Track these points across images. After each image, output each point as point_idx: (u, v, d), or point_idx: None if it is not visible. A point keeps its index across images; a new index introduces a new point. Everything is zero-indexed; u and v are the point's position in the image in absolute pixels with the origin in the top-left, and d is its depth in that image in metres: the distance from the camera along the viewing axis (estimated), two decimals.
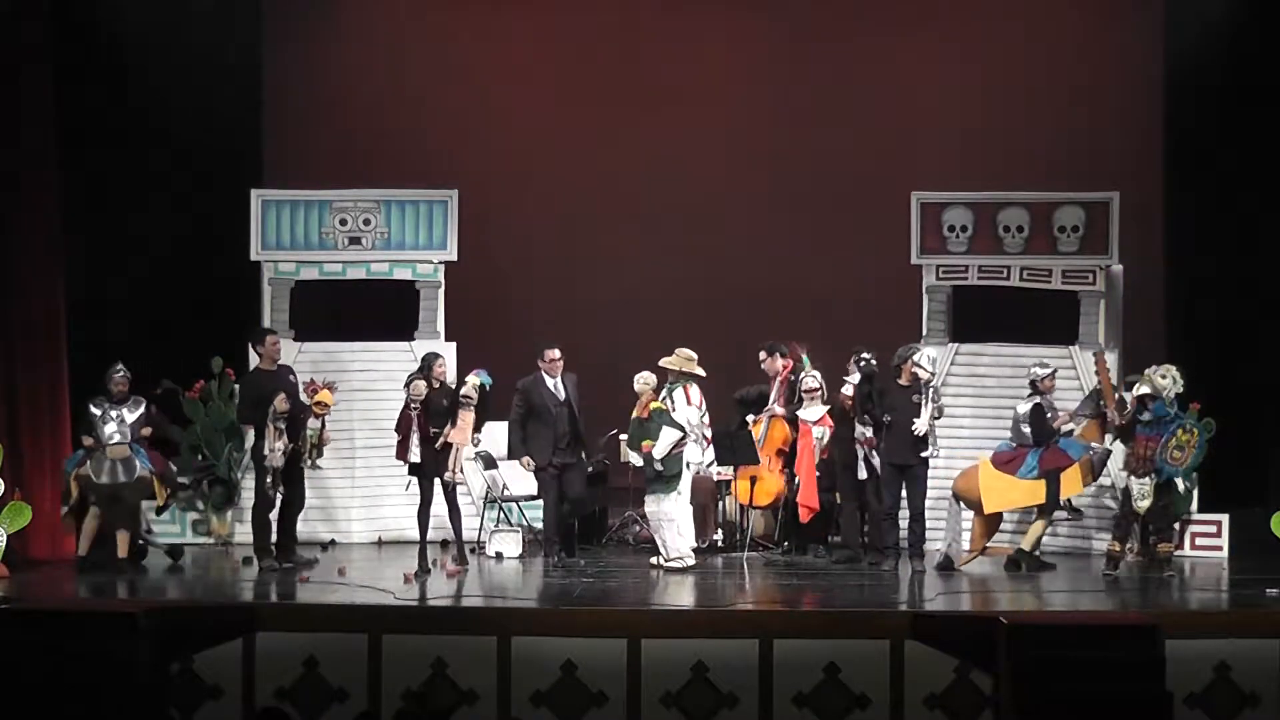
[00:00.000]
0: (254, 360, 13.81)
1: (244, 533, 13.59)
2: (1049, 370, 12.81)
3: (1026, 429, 12.65)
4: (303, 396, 12.69)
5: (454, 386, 12.60)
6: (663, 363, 12.99)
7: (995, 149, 15.73)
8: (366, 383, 13.92)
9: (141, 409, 12.86)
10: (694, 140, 16.18)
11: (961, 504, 12.73)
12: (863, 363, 12.67)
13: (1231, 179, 14.60)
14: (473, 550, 13.01)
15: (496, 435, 13.57)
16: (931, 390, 12.46)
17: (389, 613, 10.63)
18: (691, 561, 12.52)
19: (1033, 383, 12.77)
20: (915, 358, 12.48)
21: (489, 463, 13.63)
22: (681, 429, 12.61)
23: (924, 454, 12.40)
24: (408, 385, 12.47)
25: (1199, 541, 13.25)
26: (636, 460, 12.80)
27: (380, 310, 14.53)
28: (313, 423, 12.66)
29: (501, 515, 13.67)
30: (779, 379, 13.57)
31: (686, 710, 10.22)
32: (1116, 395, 12.54)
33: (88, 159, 14.06)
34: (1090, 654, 9.59)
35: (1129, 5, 16.00)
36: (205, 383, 13.85)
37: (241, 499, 13.82)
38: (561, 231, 16.18)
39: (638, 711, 10.20)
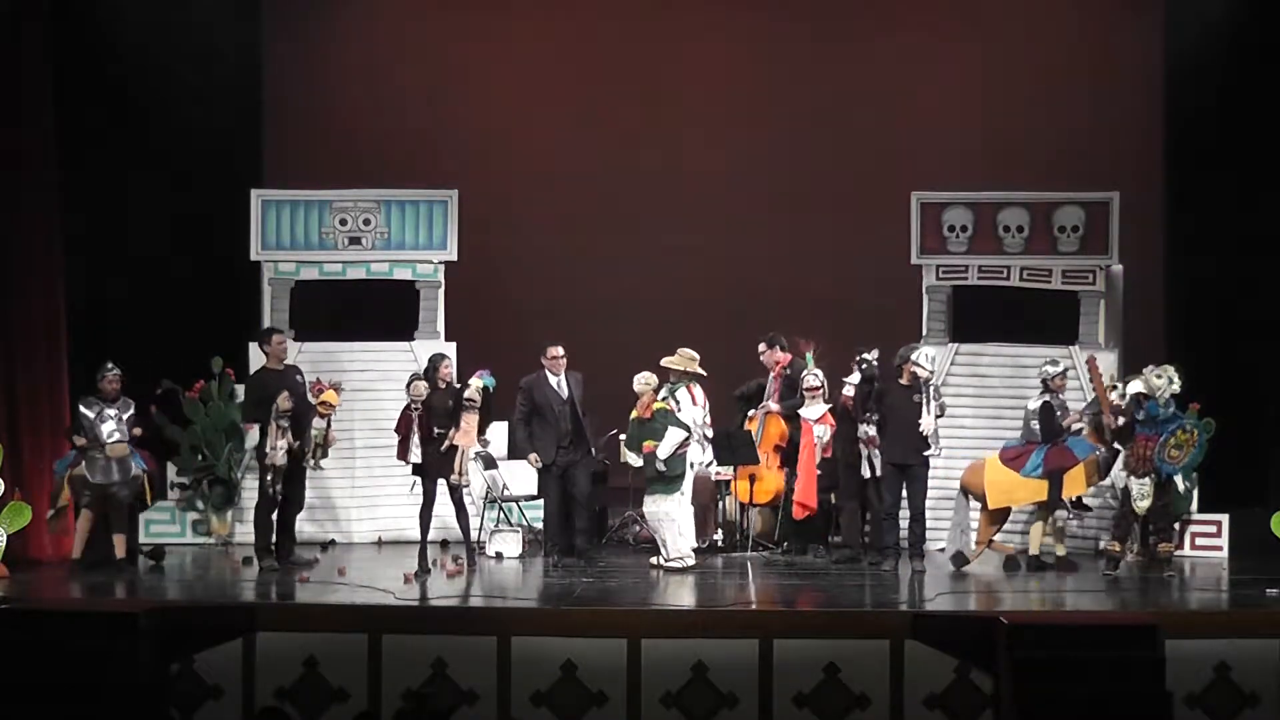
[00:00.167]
0: (253, 360, 13.84)
1: (244, 533, 13.60)
2: (1060, 369, 12.79)
3: (1036, 426, 12.65)
4: (309, 396, 12.68)
5: (459, 388, 12.59)
6: (665, 362, 12.99)
7: (995, 149, 15.74)
8: (366, 383, 13.91)
9: (132, 409, 12.86)
10: (694, 140, 16.18)
11: (970, 498, 12.75)
12: (864, 363, 12.68)
13: (1231, 179, 14.59)
14: (471, 550, 13.00)
15: (498, 435, 13.59)
16: (932, 389, 12.45)
17: (389, 613, 10.63)
18: (692, 562, 12.52)
19: (1044, 380, 12.76)
20: (914, 357, 12.48)
21: (489, 463, 13.64)
22: (687, 429, 12.62)
23: (927, 453, 12.39)
24: (409, 386, 12.48)
25: (1199, 541, 13.25)
26: (635, 461, 12.80)
27: (380, 310, 14.53)
28: (318, 422, 12.66)
29: (501, 515, 13.67)
30: (774, 373, 13.57)
31: (686, 710, 10.22)
32: (1111, 398, 12.55)
33: (88, 159, 14.05)
34: (1090, 654, 9.60)
35: (1129, 5, 16.01)
36: (205, 383, 13.85)
37: (242, 499, 13.83)
38: (561, 232, 16.18)
39: (638, 711, 10.20)
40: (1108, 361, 13.64)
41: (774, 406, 13.51)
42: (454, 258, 14.45)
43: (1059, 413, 12.67)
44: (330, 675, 10.33)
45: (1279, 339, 14.21)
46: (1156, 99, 15.74)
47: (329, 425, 12.73)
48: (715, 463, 13.41)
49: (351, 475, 14.01)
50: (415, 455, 12.42)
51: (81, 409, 12.74)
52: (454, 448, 12.40)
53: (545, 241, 16.16)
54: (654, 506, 12.60)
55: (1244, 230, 14.44)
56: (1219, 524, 13.27)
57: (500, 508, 13.68)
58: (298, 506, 12.90)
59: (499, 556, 13.13)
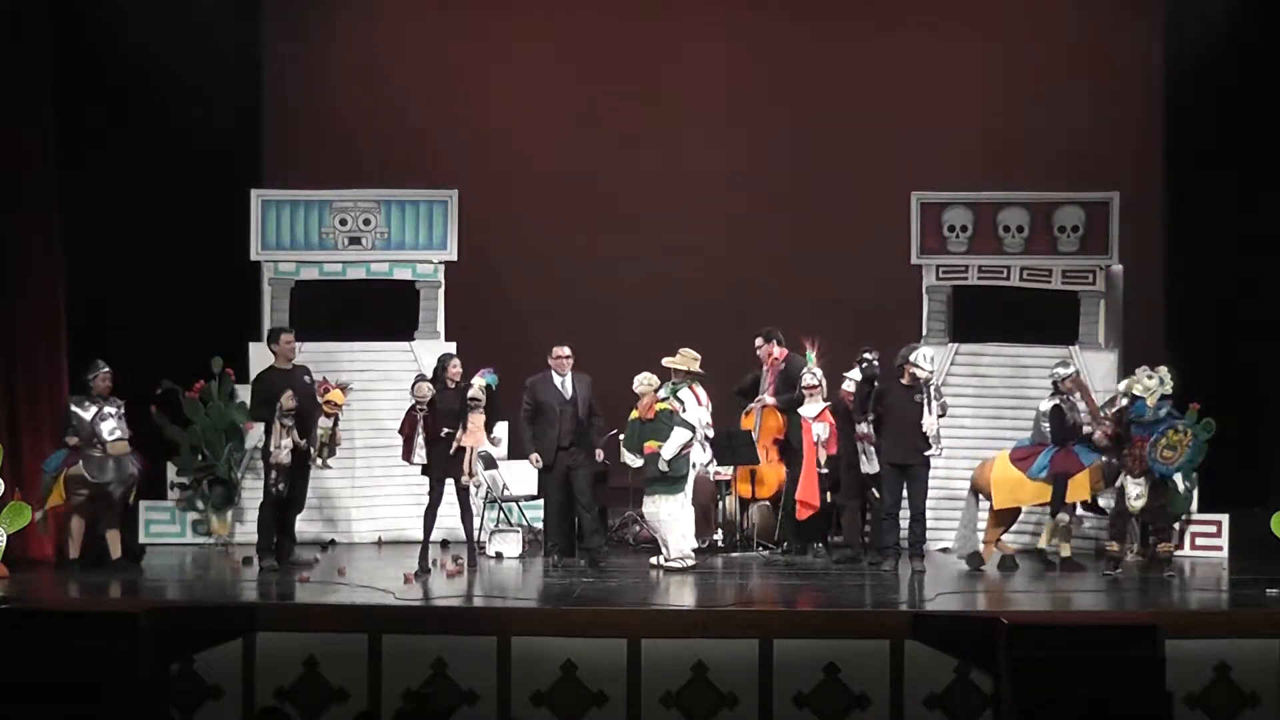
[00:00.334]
0: (253, 360, 13.86)
1: (244, 533, 13.64)
2: (1071, 371, 12.77)
3: (1047, 427, 12.65)
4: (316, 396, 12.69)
5: (464, 388, 12.58)
6: (668, 362, 12.99)
7: (995, 149, 15.74)
8: (366, 383, 13.90)
9: (121, 407, 12.84)
10: (694, 140, 16.18)
11: (980, 496, 12.75)
12: (864, 363, 12.69)
13: (1231, 179, 14.59)
14: (472, 550, 12.99)
15: (504, 433, 13.60)
16: (932, 389, 12.45)
17: (389, 613, 10.62)
18: (692, 562, 12.52)
19: (1055, 383, 12.75)
20: (913, 357, 12.48)
21: (489, 463, 13.63)
22: (692, 429, 12.63)
23: (928, 453, 12.38)
24: (413, 387, 12.50)
25: (1199, 541, 13.24)
26: (634, 462, 12.79)
27: (380, 310, 14.54)
28: (324, 422, 12.66)
29: (501, 515, 13.67)
30: (768, 365, 13.57)
31: (686, 710, 10.22)
32: (1102, 406, 12.55)
33: (88, 159, 14.06)
34: (1090, 654, 9.60)
35: (1129, 5, 16.00)
36: (205, 383, 13.84)
37: (242, 499, 13.84)
38: (561, 232, 16.18)
39: (638, 711, 10.20)
40: (1109, 361, 13.64)
41: (769, 400, 13.51)
42: (454, 258, 14.46)
43: (1070, 415, 12.65)
44: (330, 675, 10.33)
45: (1279, 339, 14.21)
46: (1156, 99, 15.73)
47: (335, 424, 12.73)
48: (715, 463, 13.40)
49: (351, 475, 14.01)
50: (419, 456, 12.43)
51: (75, 409, 12.70)
52: (462, 448, 12.41)
53: (545, 241, 16.16)
54: (654, 507, 12.60)
55: (1244, 230, 14.44)
56: (1219, 524, 13.27)
57: (500, 508, 13.68)
58: (298, 507, 12.90)
59: (499, 556, 13.13)
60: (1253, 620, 10.49)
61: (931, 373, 12.54)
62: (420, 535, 12.57)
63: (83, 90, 14.02)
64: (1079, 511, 12.81)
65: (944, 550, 13.41)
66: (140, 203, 14.61)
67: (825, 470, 13.08)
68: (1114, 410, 12.51)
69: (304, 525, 13.27)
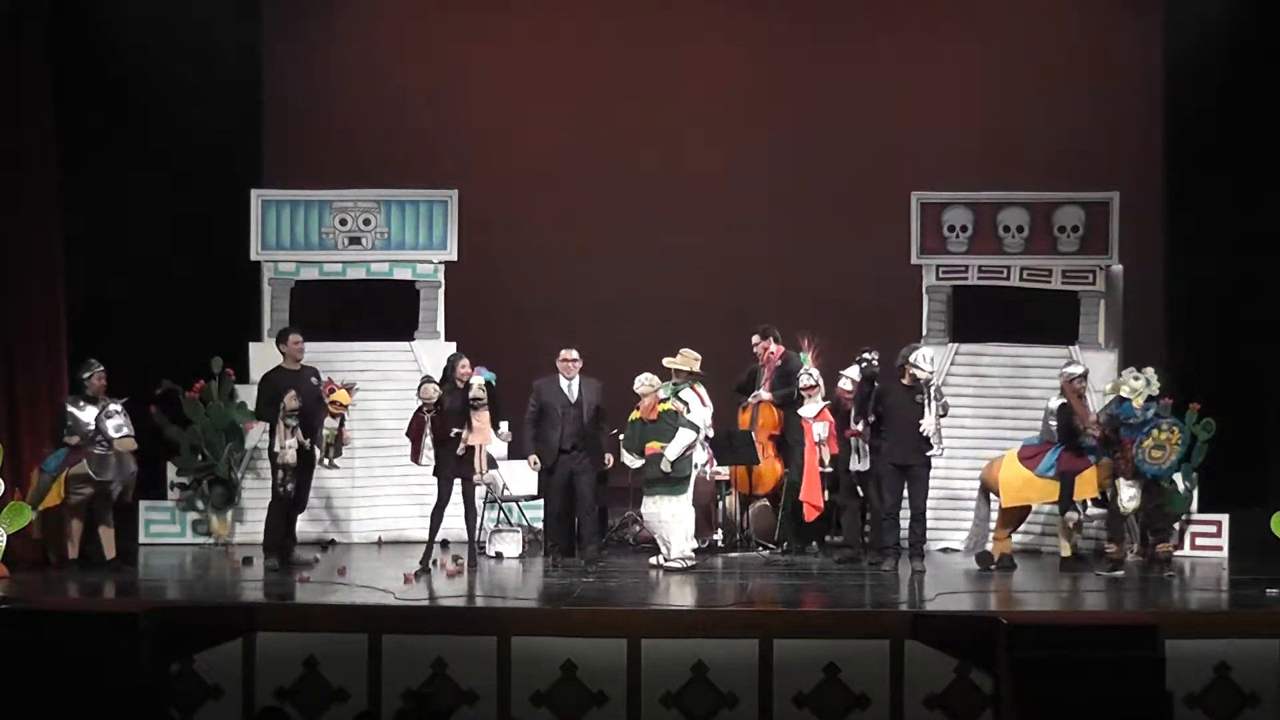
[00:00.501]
0: (253, 360, 13.87)
1: (244, 533, 13.66)
2: (1080, 371, 12.75)
3: (1054, 424, 12.64)
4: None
5: (465, 388, 12.58)
6: (669, 363, 12.98)
7: (995, 149, 15.74)
8: (367, 383, 13.88)
9: (121, 406, 12.83)
10: (694, 140, 16.18)
11: (991, 494, 12.74)
12: (864, 362, 12.69)
13: (1231, 179, 14.59)
14: (473, 550, 12.99)
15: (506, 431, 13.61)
16: (932, 389, 12.45)
17: (389, 613, 10.62)
18: (693, 562, 12.52)
19: (1063, 384, 12.72)
20: (913, 358, 12.48)
21: (489, 463, 13.61)
22: (697, 429, 12.63)
23: (930, 453, 12.38)
24: (419, 389, 12.51)
25: (1199, 541, 13.23)
26: (634, 462, 12.79)
27: (380, 310, 14.53)
28: (330, 422, 12.66)
29: (501, 515, 13.67)
30: (765, 364, 13.56)
31: (686, 710, 10.22)
32: (1092, 413, 12.54)
33: (88, 159, 14.05)
34: (1090, 654, 9.60)
35: (1129, 5, 16.01)
36: (205, 383, 13.84)
37: (241, 499, 13.84)
38: (561, 232, 16.18)
39: (638, 711, 10.20)
40: (1109, 361, 13.63)
41: (765, 395, 13.50)
42: (454, 258, 14.45)
43: (1077, 415, 12.64)
44: (330, 675, 10.33)
45: (1279, 339, 14.21)
46: (1156, 99, 15.74)
47: (342, 425, 12.73)
48: (716, 463, 13.39)
49: (351, 475, 14.00)
50: (428, 458, 12.45)
51: (71, 409, 12.65)
52: (471, 448, 12.42)
53: (545, 241, 16.16)
54: (655, 508, 12.59)
55: (1244, 230, 14.44)
56: (1219, 524, 13.25)
57: (500, 508, 13.68)
58: (300, 507, 12.89)
59: (499, 556, 13.13)
60: (1253, 620, 10.49)
61: (932, 373, 12.53)
62: (423, 534, 12.57)
63: (83, 90, 14.01)
64: (1090, 510, 12.79)
65: (944, 550, 13.41)
66: (140, 203, 14.61)
67: (828, 470, 13.07)
68: (1102, 411, 12.47)
69: (304, 525, 13.27)
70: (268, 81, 16.26)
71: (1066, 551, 12.59)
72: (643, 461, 12.63)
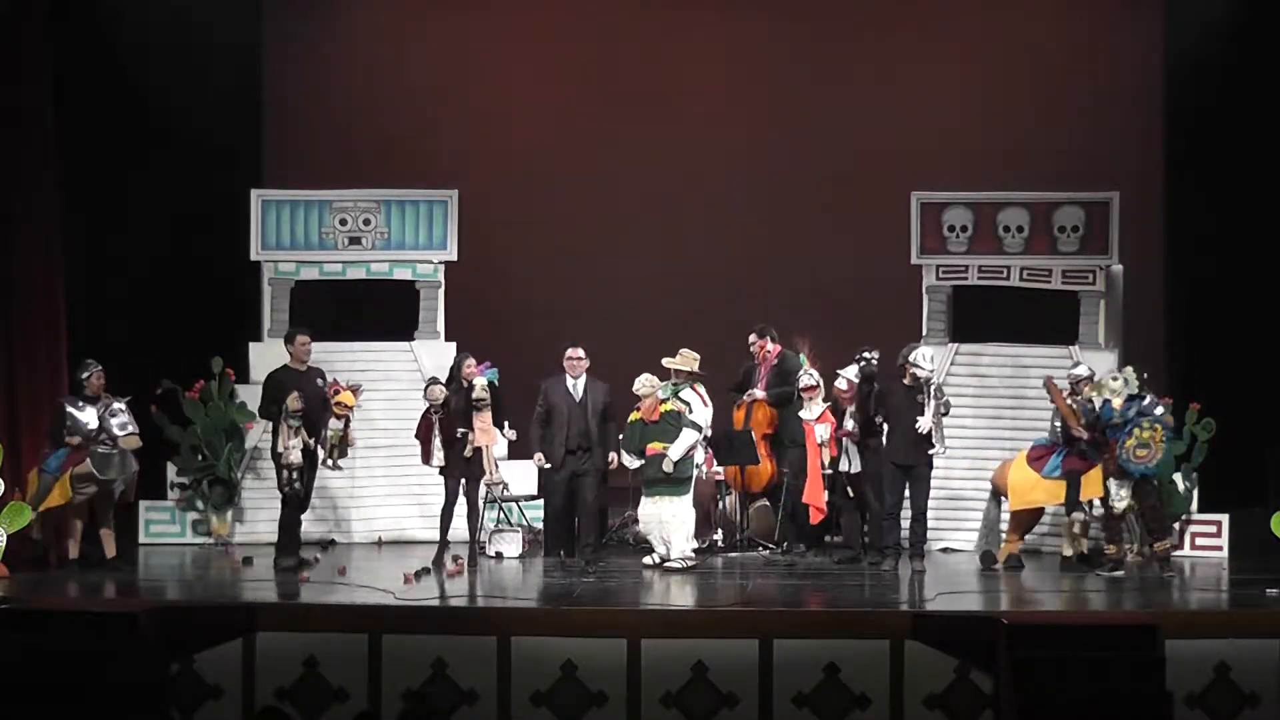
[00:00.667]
0: (254, 360, 13.86)
1: (244, 533, 13.67)
2: (1086, 374, 12.73)
3: (1059, 425, 12.63)
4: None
5: (468, 388, 12.59)
6: (669, 363, 12.96)
7: (995, 149, 15.74)
8: (367, 383, 13.83)
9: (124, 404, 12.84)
10: (694, 140, 16.18)
11: (1003, 497, 12.74)
12: (864, 362, 12.68)
13: (1231, 179, 14.59)
14: (473, 550, 12.99)
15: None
16: (932, 388, 12.45)
17: (389, 613, 10.62)
18: (693, 562, 12.52)
19: (1071, 384, 12.69)
20: (913, 357, 12.47)
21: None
22: (700, 429, 12.63)
23: (931, 453, 12.38)
24: (426, 391, 12.53)
25: (1199, 541, 13.22)
26: (633, 463, 12.78)
27: (380, 310, 14.53)
28: (334, 424, 12.65)
29: (501, 515, 13.67)
30: (761, 362, 13.55)
31: (686, 710, 10.22)
32: (1076, 414, 12.52)
33: (88, 159, 14.06)
34: (1090, 654, 9.60)
35: (1129, 5, 16.01)
36: (205, 383, 13.83)
37: (241, 499, 13.84)
38: (561, 231, 16.18)
39: (638, 711, 10.20)
40: (1109, 361, 13.62)
41: (759, 394, 13.48)
42: (454, 258, 14.45)
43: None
44: (330, 675, 10.33)
45: (1279, 339, 14.21)
46: (1156, 99, 15.74)
47: (347, 425, 12.72)
48: (715, 463, 13.38)
49: (351, 475, 13.99)
50: (438, 459, 12.47)
51: (70, 409, 12.62)
52: (478, 448, 12.43)
53: (545, 241, 16.16)
54: (655, 508, 12.57)
55: (1244, 230, 14.44)
56: (1219, 524, 13.24)
57: (500, 508, 13.67)
58: (303, 507, 12.87)
59: (499, 556, 13.13)
60: (1253, 620, 10.49)
61: (932, 372, 12.53)
62: (423, 534, 12.57)
63: (83, 90, 14.02)
64: (1096, 510, 12.77)
65: (944, 550, 13.40)
66: (140, 203, 14.61)
67: (830, 471, 13.06)
68: (1085, 413, 12.46)
69: (305, 525, 13.21)
70: (268, 81, 16.27)
71: (1068, 552, 12.58)
72: (642, 462, 12.63)
